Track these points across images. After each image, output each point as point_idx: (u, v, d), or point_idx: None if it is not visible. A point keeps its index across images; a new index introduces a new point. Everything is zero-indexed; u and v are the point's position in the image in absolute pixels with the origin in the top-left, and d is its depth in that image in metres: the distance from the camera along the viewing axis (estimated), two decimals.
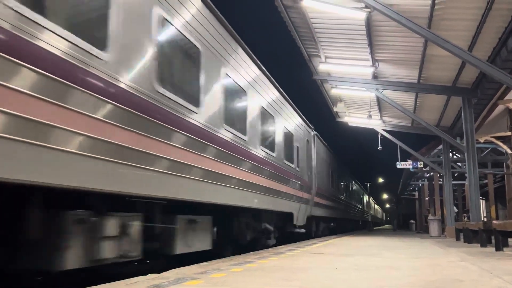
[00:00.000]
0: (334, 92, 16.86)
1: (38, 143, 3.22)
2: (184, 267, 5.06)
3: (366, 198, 46.02)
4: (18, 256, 3.81)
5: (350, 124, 21.44)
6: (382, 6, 9.35)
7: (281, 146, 10.53)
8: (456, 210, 23.76)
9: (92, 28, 3.92)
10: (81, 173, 3.66)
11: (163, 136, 4.91)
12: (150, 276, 4.25)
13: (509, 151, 18.43)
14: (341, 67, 14.43)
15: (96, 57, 3.87)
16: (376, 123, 20.64)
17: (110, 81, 4.05)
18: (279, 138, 10.41)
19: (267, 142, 9.36)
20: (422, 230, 29.05)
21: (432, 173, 26.56)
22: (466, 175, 14.09)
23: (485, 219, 24.07)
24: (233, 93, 7.48)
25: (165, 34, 5.18)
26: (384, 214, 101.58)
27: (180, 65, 5.67)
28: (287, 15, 11.34)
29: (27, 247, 3.79)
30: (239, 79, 7.73)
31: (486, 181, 26.33)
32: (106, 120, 3.96)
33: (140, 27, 4.62)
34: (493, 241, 9.20)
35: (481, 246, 10.04)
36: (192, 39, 5.88)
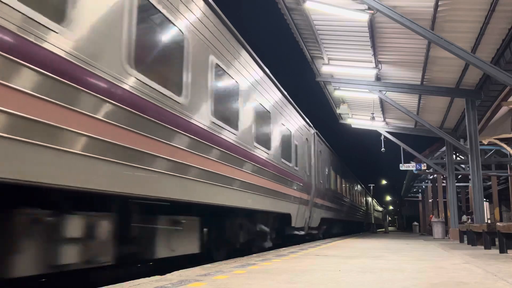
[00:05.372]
0: (337, 93, 16.84)
1: None
2: (187, 269, 5.06)
3: (369, 199, 45.86)
4: None
5: (353, 126, 21.40)
6: (385, 8, 9.34)
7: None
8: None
9: None
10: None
11: None
12: (153, 278, 4.25)
13: None
14: (344, 69, 14.42)
15: None
16: (379, 125, 20.59)
17: None
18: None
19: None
20: (426, 232, 28.97)
21: (435, 175, 26.49)
22: (470, 177, 14.04)
23: (489, 221, 23.95)
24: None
25: None
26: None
27: None
28: (290, 17, 11.34)
29: None
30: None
31: (490, 183, 26.23)
32: None
33: None
34: (497, 243, 9.16)
35: (485, 248, 10.00)
36: None
